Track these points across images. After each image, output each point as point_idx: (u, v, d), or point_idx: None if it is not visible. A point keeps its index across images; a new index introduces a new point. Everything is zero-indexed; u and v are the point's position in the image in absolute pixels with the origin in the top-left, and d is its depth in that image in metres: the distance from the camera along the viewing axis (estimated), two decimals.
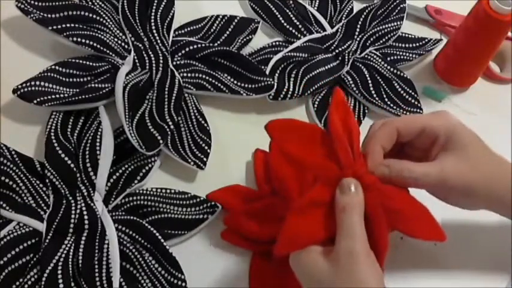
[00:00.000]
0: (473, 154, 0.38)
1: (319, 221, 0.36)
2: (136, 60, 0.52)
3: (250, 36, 0.57)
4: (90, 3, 0.55)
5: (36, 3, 0.52)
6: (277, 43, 0.58)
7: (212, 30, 0.57)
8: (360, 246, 0.34)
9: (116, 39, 0.53)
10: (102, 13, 0.53)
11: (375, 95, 0.56)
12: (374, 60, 0.57)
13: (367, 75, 0.57)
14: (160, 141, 0.47)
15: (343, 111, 0.39)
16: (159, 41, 0.53)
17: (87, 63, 0.50)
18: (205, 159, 0.49)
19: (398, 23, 0.60)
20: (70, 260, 0.42)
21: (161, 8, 0.55)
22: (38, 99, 0.47)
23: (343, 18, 0.61)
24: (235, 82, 0.53)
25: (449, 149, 0.38)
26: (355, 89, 0.56)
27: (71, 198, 0.45)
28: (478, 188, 0.38)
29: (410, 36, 0.62)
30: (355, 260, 0.33)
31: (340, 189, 0.36)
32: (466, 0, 0.56)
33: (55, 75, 0.49)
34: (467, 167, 0.38)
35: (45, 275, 0.41)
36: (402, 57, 0.59)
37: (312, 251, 0.36)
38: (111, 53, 0.51)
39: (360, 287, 0.33)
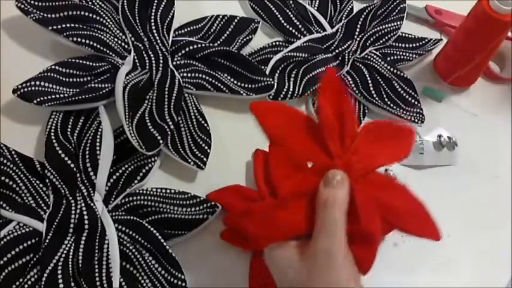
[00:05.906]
0: None
1: (300, 213, 0.34)
2: (137, 60, 0.52)
3: (250, 36, 0.57)
4: (90, 3, 0.55)
5: (36, 3, 0.52)
6: (277, 43, 0.58)
7: (212, 30, 0.57)
8: (339, 246, 0.32)
9: (116, 39, 0.53)
10: (102, 13, 0.53)
11: (375, 95, 0.56)
12: (374, 60, 0.57)
13: (367, 75, 0.57)
14: (160, 141, 0.47)
15: (335, 93, 0.36)
16: (159, 41, 0.53)
17: (87, 63, 0.50)
18: (205, 159, 0.49)
19: (398, 23, 0.60)
20: (70, 260, 0.42)
21: (161, 8, 0.55)
22: (38, 99, 0.47)
23: (343, 18, 0.61)
24: (235, 82, 0.53)
25: None
26: (355, 89, 0.56)
27: (71, 198, 0.45)
28: None
29: (410, 36, 0.62)
30: (332, 260, 0.31)
31: (325, 181, 0.34)
32: (466, 0, 0.55)
33: (55, 75, 0.49)
34: None
35: (45, 275, 0.41)
36: (402, 57, 0.59)
37: (288, 246, 0.34)
38: (111, 53, 0.51)
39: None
